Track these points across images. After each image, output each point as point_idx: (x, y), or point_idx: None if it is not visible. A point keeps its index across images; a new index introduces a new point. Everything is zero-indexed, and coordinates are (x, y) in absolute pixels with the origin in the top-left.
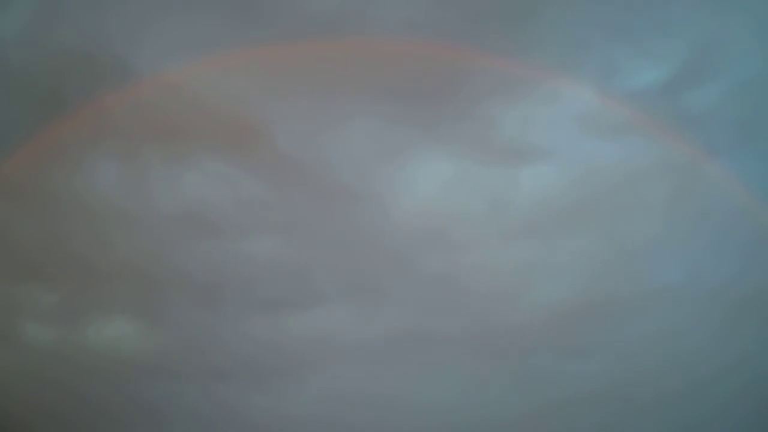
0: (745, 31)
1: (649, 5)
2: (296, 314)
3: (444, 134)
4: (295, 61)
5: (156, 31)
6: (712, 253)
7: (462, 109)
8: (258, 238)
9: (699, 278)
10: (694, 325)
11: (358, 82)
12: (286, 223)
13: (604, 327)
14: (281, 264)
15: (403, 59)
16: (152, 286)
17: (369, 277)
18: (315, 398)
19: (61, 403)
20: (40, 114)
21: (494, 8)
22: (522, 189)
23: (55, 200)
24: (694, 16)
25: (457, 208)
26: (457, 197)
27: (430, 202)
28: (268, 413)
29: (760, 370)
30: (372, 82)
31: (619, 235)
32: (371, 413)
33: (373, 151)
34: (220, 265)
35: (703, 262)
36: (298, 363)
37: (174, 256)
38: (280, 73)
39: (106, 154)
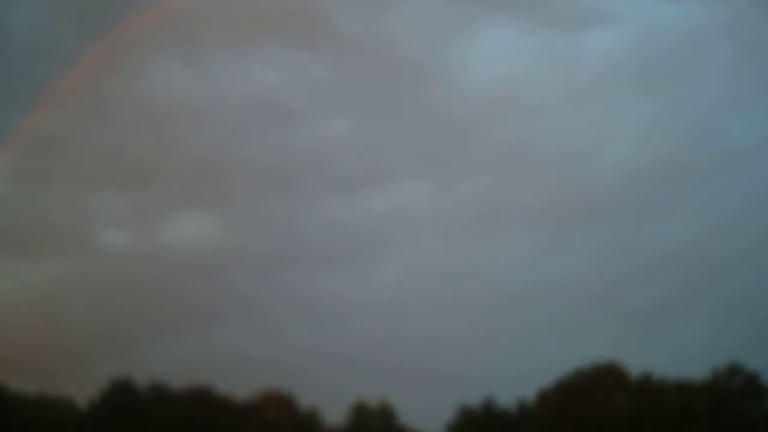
0: None
1: None
2: (371, 193)
3: (507, 3)
4: None
5: None
6: None
7: None
8: (327, 120)
9: None
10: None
11: None
12: (354, 103)
13: (677, 189)
14: (353, 144)
15: None
16: (224, 178)
17: (441, 149)
18: (392, 276)
19: (138, 301)
20: (96, 23)
21: None
22: (587, 52)
23: (119, 106)
24: None
25: (523, 74)
26: (524, 63)
27: (497, 70)
28: (343, 296)
29: None
30: None
31: (685, 97)
32: (447, 288)
33: (436, 25)
34: (291, 149)
35: None
36: (374, 243)
37: (243, 145)
38: None
39: (166, 53)
